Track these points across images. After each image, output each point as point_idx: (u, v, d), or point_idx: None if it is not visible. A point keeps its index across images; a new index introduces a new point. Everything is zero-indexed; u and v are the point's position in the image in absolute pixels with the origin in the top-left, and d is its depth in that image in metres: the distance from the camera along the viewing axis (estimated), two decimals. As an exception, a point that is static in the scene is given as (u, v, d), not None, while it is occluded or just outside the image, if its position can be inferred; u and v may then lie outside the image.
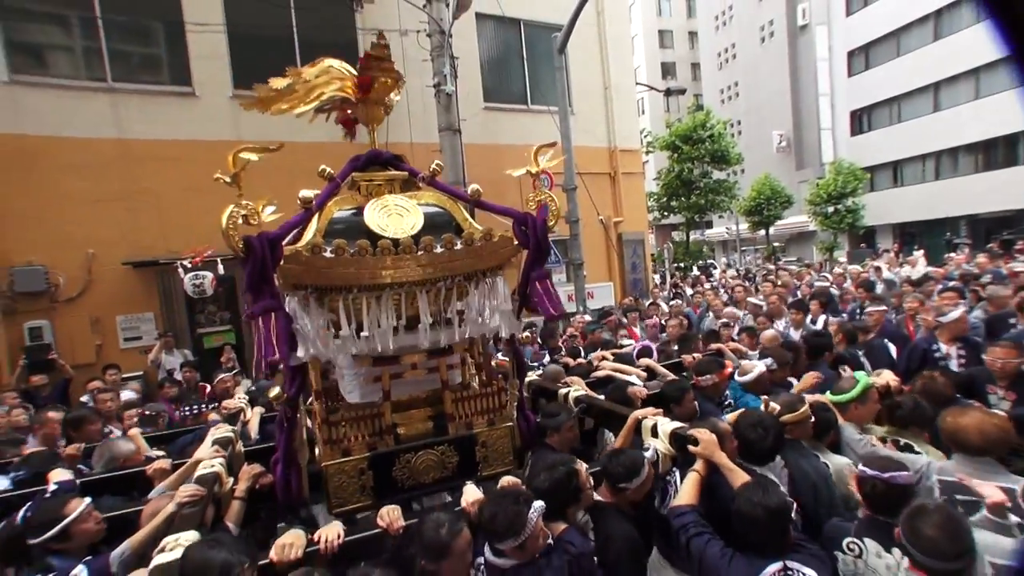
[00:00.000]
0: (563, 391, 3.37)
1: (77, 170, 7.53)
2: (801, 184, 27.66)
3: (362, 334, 2.35)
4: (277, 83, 2.52)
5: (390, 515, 2.06)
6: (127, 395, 4.99)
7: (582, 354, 5.17)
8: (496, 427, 2.73)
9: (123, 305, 7.79)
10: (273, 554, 1.87)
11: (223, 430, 2.90)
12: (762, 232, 28.33)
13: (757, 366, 3.58)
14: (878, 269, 10.64)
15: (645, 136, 22.57)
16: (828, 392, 2.99)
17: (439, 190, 2.80)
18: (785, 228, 29.72)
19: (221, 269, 7.12)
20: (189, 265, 6.93)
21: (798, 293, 8.67)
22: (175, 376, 6.43)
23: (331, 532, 1.97)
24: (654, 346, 4.69)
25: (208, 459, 2.47)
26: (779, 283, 9.21)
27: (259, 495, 2.45)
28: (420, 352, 2.63)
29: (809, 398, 2.80)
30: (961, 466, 2.26)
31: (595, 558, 2.07)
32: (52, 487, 2.52)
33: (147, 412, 4.29)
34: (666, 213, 24.88)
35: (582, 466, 2.24)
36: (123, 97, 7.90)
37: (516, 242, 2.60)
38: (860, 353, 4.45)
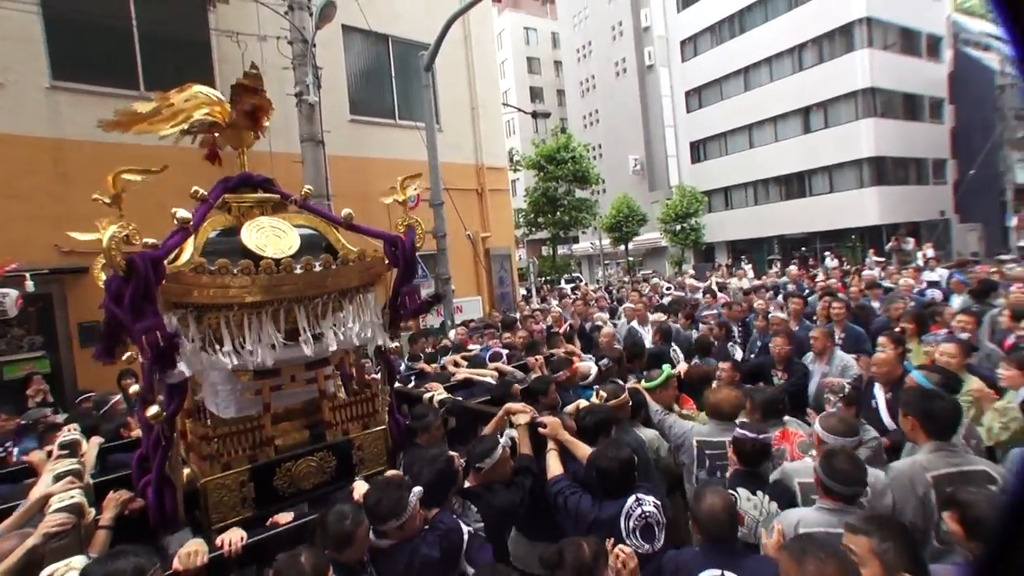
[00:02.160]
0: (427, 395, 3.77)
1: None
2: (654, 204, 31.08)
3: (245, 349, 2.46)
4: (141, 107, 2.55)
5: (231, 537, 2.18)
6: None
7: (438, 360, 5.52)
8: (371, 431, 2.97)
9: None
10: (177, 563, 1.93)
11: (65, 463, 2.69)
12: (622, 247, 31.19)
13: (592, 369, 4.40)
14: (709, 283, 12.44)
15: (514, 155, 23.81)
16: (642, 381, 3.84)
17: (311, 212, 2.97)
18: (642, 243, 33.04)
19: (31, 286, 6.21)
20: (-13, 280, 5.96)
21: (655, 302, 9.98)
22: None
23: (234, 536, 2.13)
24: (504, 351, 5.22)
25: (61, 491, 2.31)
26: (640, 294, 10.26)
27: (124, 523, 2.38)
28: (298, 364, 2.79)
29: (627, 386, 3.53)
30: (714, 428, 3.19)
31: (472, 530, 2.42)
32: None
33: None
34: (533, 229, 26.49)
35: (453, 454, 2.63)
36: None
37: (387, 261, 2.88)
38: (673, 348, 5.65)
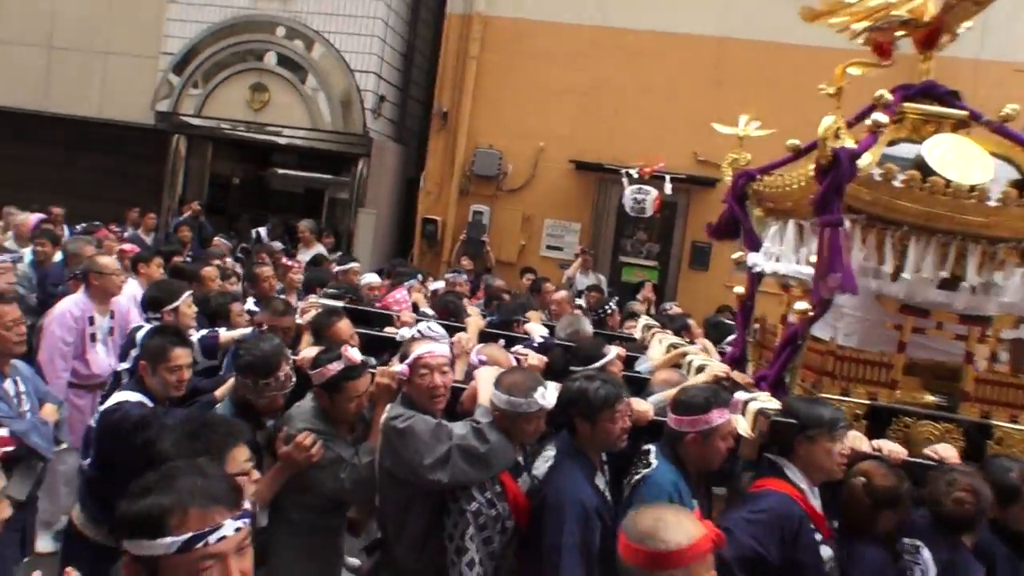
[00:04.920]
0: None
1: (551, 57, 10.15)
2: None
3: (900, 275, 2.95)
4: None
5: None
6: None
7: None
8: (1020, 427, 3.08)
9: (555, 208, 10.31)
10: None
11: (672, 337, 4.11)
12: None
13: None
14: None
15: None
16: None
17: (1012, 139, 3.23)
18: None
19: (668, 188, 8.54)
20: (636, 176, 8.56)
21: None
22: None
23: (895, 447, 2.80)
24: None
25: (693, 353, 3.72)
26: None
27: None
28: (951, 313, 3.16)
29: None
30: None
31: None
32: None
33: None
34: None
35: None
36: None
37: None
38: None
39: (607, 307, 6.50)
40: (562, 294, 6.90)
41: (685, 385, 2.93)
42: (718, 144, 8.50)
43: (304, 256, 8.28)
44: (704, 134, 8.83)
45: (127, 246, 6.34)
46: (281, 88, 10.74)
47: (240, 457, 2.01)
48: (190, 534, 1.26)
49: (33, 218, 7.22)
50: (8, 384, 3.10)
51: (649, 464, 2.62)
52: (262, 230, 9.62)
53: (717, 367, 3.40)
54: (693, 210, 9.68)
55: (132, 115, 11.27)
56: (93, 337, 4.35)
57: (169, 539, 1.26)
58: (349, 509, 3.13)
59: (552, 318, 6.15)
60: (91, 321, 4.34)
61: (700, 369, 3.50)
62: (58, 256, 6.17)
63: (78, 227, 7.44)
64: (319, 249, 9.02)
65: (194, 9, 10.91)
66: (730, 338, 5.36)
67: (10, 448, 1.83)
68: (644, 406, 2.89)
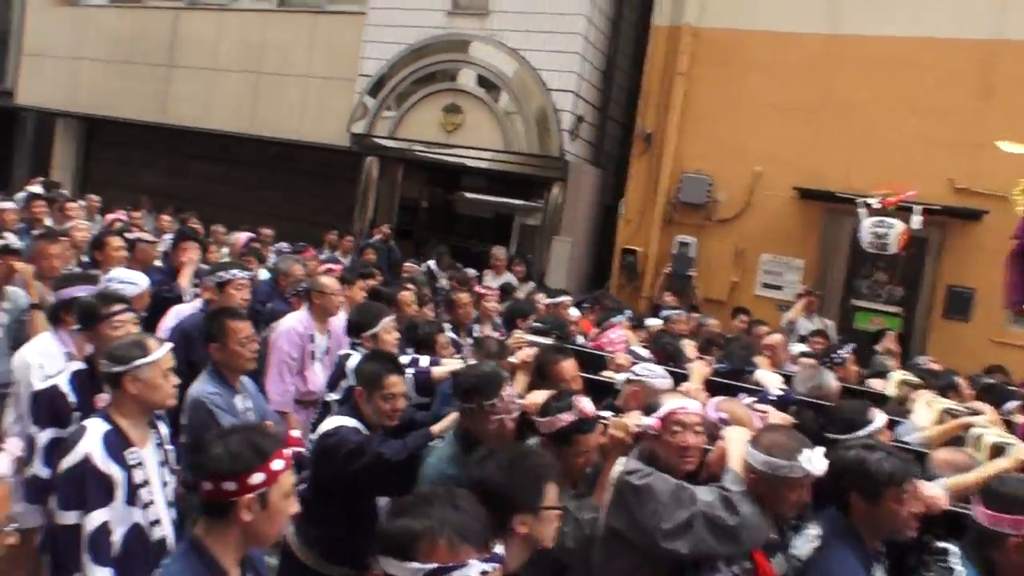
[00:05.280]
0: None
1: (771, 71, 9.85)
2: None
3: None
4: None
5: None
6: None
7: None
8: None
9: (774, 241, 9.92)
10: None
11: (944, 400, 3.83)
12: None
13: None
14: None
15: None
16: None
17: None
18: None
19: (917, 222, 7.88)
20: (877, 206, 8.00)
21: None
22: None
23: None
24: None
25: (981, 425, 3.41)
26: None
27: None
28: None
29: None
30: None
31: None
32: None
33: None
34: None
35: None
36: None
37: None
38: None
39: (836, 355, 5.86)
40: (777, 338, 6.51)
41: (999, 471, 2.58)
42: (984, 169, 7.89)
43: (492, 284, 8.51)
44: (966, 157, 8.42)
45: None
46: (475, 109, 11.22)
47: (553, 492, 2.08)
48: (436, 565, 1.40)
49: (243, 237, 8.04)
50: (238, 400, 3.41)
51: (950, 570, 2.34)
52: (431, 263, 9.93)
53: None
54: (949, 248, 8.90)
55: (329, 137, 12.27)
56: (313, 355, 4.74)
57: (416, 565, 1.40)
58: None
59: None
60: (311, 339, 4.74)
61: (998, 450, 3.08)
62: (263, 274, 6.75)
63: (279, 245, 8.15)
64: (509, 278, 9.26)
65: (390, 31, 11.71)
66: (1010, 404, 4.79)
67: (300, 449, 1.99)
68: (935, 491, 2.58)
